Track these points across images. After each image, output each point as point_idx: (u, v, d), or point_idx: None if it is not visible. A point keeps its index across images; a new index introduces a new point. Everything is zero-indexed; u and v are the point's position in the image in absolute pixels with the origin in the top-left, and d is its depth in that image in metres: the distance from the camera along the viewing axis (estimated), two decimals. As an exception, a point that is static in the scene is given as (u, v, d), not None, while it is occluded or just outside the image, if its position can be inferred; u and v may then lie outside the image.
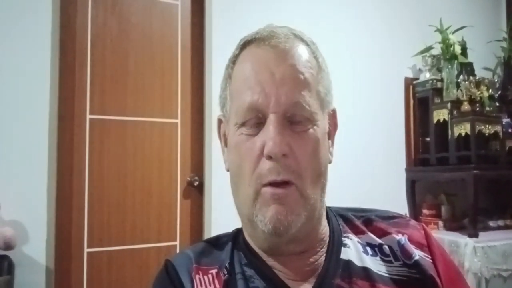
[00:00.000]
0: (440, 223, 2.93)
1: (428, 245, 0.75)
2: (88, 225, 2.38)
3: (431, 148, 3.10)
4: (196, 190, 2.64)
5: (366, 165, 3.03)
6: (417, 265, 0.72)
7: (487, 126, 2.86)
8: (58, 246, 2.28)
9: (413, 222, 0.80)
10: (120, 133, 2.50)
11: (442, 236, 2.72)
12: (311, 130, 0.68)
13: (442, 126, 3.02)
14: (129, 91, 2.55)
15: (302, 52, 0.71)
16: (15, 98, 2.20)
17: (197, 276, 0.71)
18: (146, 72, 2.59)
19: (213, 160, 2.56)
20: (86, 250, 2.37)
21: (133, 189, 2.50)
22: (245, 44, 0.73)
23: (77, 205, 2.37)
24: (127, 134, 2.52)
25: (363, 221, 0.79)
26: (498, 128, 2.90)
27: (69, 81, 2.41)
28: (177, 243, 2.57)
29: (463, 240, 2.60)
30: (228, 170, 0.74)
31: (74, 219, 2.36)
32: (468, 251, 2.53)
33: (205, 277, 0.71)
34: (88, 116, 2.44)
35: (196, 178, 2.62)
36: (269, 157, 0.65)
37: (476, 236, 2.63)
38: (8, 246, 1.98)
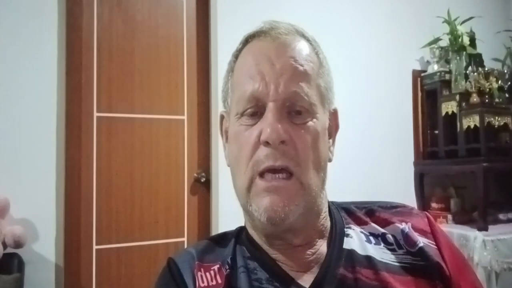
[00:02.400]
0: (449, 216, 2.90)
1: (432, 232, 0.75)
2: (96, 222, 2.41)
3: (439, 141, 3.08)
4: (203, 186, 2.65)
5: (374, 159, 3.02)
6: (421, 252, 0.71)
7: (497, 117, 2.83)
8: (67, 244, 2.31)
9: (416, 210, 0.81)
10: (127, 131, 2.52)
11: (451, 229, 2.70)
12: (310, 122, 0.69)
13: (451, 118, 2.99)
14: (136, 89, 2.56)
15: (303, 47, 0.72)
16: (23, 97, 2.23)
17: (199, 273, 0.72)
18: (152, 69, 2.61)
19: (220, 156, 2.56)
20: (94, 247, 2.39)
21: (141, 186, 2.52)
22: (248, 39, 0.75)
23: (85, 203, 2.39)
24: (134, 131, 2.54)
25: (366, 212, 0.79)
26: (508, 119, 2.87)
27: (76, 80, 2.43)
28: (185, 239, 2.59)
29: (472, 234, 2.58)
30: (229, 165, 0.75)
31: (83, 217, 2.38)
32: (478, 244, 2.51)
33: (207, 273, 0.72)
34: (96, 114, 2.46)
35: (203, 174, 2.64)
36: (266, 143, 0.66)
37: (486, 229, 2.61)
38: (18, 244, 2.01)
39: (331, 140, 0.76)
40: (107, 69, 2.50)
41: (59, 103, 2.31)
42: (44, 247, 2.20)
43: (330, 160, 0.74)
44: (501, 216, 2.88)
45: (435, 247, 0.73)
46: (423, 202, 3.07)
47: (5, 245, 2.00)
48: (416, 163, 3.18)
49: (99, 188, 2.43)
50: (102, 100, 2.48)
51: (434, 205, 3.02)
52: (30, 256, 2.12)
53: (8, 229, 2.03)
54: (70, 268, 2.32)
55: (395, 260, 0.71)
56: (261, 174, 0.67)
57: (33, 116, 2.24)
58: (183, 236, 2.58)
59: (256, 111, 0.68)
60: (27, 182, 2.19)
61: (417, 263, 0.71)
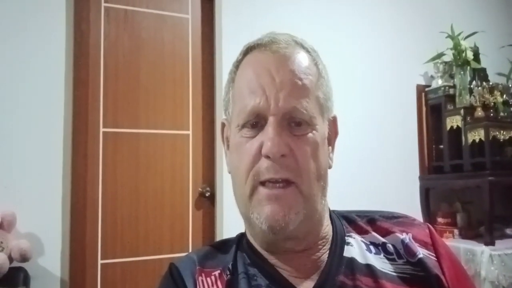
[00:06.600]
0: (456, 231, 2.88)
1: (432, 244, 0.75)
2: (101, 236, 2.41)
3: (444, 156, 3.07)
4: (207, 201, 2.66)
5: (379, 174, 3.01)
6: (421, 263, 0.71)
7: (502, 131, 2.82)
8: (72, 258, 2.32)
9: (417, 221, 0.80)
10: (133, 146, 2.54)
11: (458, 244, 2.68)
12: (310, 134, 0.70)
13: (456, 133, 2.99)
14: (141, 104, 2.59)
15: (302, 59, 0.73)
16: (30, 112, 2.26)
17: (200, 278, 0.72)
18: (158, 85, 2.63)
19: (224, 171, 2.56)
20: (100, 261, 2.39)
21: (146, 200, 2.53)
22: (248, 50, 0.76)
23: (91, 217, 2.41)
24: (140, 146, 2.56)
25: (367, 221, 0.79)
26: (513, 133, 2.86)
27: (82, 95, 2.46)
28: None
29: (479, 248, 2.56)
30: (229, 173, 0.76)
31: (88, 231, 2.39)
32: (485, 259, 2.49)
33: (208, 279, 0.72)
34: (102, 129, 2.49)
35: (208, 189, 2.64)
36: (267, 157, 0.67)
37: (493, 244, 2.58)
38: (24, 258, 2.02)
39: (330, 148, 0.77)
40: (113, 85, 2.53)
41: (65, 118, 2.34)
42: (50, 261, 2.21)
43: (330, 167, 0.75)
44: (508, 231, 2.86)
45: (435, 259, 0.73)
46: (429, 217, 3.05)
47: (11, 259, 2.01)
48: (421, 178, 3.17)
49: (104, 203, 2.44)
50: (108, 115, 2.51)
51: (440, 220, 3.00)
52: (36, 270, 2.13)
53: (15, 243, 2.04)
54: (76, 283, 2.32)
55: (395, 270, 0.71)
56: (262, 183, 0.68)
57: (39, 131, 2.27)
58: (187, 251, 2.56)
59: (257, 122, 0.70)
60: (34, 196, 2.21)
61: (417, 274, 0.71)
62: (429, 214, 3.07)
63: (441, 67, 3.16)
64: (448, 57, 3.13)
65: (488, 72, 3.20)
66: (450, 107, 3.07)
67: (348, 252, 0.73)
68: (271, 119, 0.68)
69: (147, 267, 2.48)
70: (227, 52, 2.68)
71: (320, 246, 0.73)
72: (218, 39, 2.75)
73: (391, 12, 3.27)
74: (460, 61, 3.03)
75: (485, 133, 2.77)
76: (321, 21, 2.97)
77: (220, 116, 2.64)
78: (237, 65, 0.76)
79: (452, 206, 3.08)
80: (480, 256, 2.52)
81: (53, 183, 2.27)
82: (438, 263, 0.72)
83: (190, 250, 2.57)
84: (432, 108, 3.22)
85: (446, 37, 3.11)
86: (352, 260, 0.72)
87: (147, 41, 2.64)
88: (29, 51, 2.29)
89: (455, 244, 2.68)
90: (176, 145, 2.64)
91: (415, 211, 3.03)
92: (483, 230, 2.73)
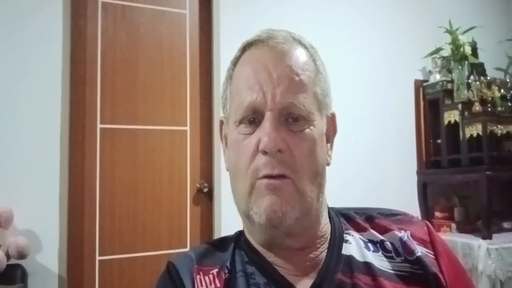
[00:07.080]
0: (453, 225, 2.89)
1: (431, 242, 0.75)
2: (99, 233, 2.41)
3: (442, 150, 3.08)
4: (205, 197, 2.66)
5: (377, 169, 3.01)
6: (419, 261, 0.71)
7: (499, 126, 2.83)
8: (70, 255, 2.32)
9: (416, 219, 0.80)
10: (131, 142, 2.54)
11: (455, 238, 2.69)
12: (307, 130, 0.69)
13: (453, 127, 2.99)
14: (139, 100, 2.58)
15: (299, 54, 0.72)
16: (27, 109, 2.25)
17: (198, 277, 0.72)
18: (156, 81, 2.63)
19: (222, 167, 2.56)
20: (98, 258, 2.39)
21: (144, 196, 2.53)
22: (246, 47, 0.76)
23: (88, 214, 2.40)
24: (137, 142, 2.55)
25: (365, 218, 0.79)
26: (511, 128, 2.86)
27: (80, 91, 2.45)
28: (188, 250, 2.57)
29: (476, 242, 2.57)
30: (227, 170, 0.76)
31: (86, 228, 2.39)
32: (482, 253, 2.50)
33: (206, 277, 0.72)
34: (99, 126, 2.48)
35: (206, 184, 2.64)
36: (264, 152, 0.67)
37: (490, 238, 2.59)
38: (21, 255, 2.03)
39: (329, 144, 0.77)
40: (110, 81, 2.53)
41: (63, 114, 2.33)
42: (47, 258, 2.21)
43: (328, 164, 0.75)
44: (505, 225, 2.87)
45: (433, 257, 0.73)
46: (427, 211, 3.06)
47: (8, 256, 2.01)
48: (419, 173, 3.17)
49: (102, 199, 2.43)
50: (106, 111, 2.50)
51: (437, 214, 3.01)
52: (33, 267, 2.13)
53: (12, 240, 2.04)
54: (73, 279, 2.32)
55: (393, 268, 0.71)
56: (260, 179, 0.68)
57: (37, 127, 2.26)
58: (185, 247, 2.57)
59: (254, 118, 0.70)
60: (31, 193, 2.21)
61: (415, 272, 0.71)
62: (426, 208, 3.08)
63: (439, 62, 3.16)
64: (446, 52, 3.12)
65: (486, 66, 3.20)
66: (448, 102, 3.07)
67: (347, 249, 0.73)
68: (268, 115, 0.67)
69: (145, 263, 2.48)
70: (225, 48, 2.68)
71: (319, 245, 0.73)
72: (216, 34, 2.74)
73: (389, 7, 3.26)
74: (458, 56, 3.03)
75: (482, 128, 2.77)
76: (319, 16, 2.96)
77: (217, 112, 2.64)
78: (235, 62, 0.76)
79: (449, 200, 3.09)
80: (478, 250, 2.53)
81: (51, 179, 2.27)
82: (436, 261, 0.72)
83: (188, 246, 2.58)
84: (430, 103, 3.22)
85: (444, 32, 3.10)
86: (350, 258, 0.71)
87: (145, 36, 2.63)
88: (26, 47, 2.28)
89: (453, 238, 2.69)
90: (174, 141, 2.64)
91: (412, 206, 3.04)
92: (480, 224, 2.74)
